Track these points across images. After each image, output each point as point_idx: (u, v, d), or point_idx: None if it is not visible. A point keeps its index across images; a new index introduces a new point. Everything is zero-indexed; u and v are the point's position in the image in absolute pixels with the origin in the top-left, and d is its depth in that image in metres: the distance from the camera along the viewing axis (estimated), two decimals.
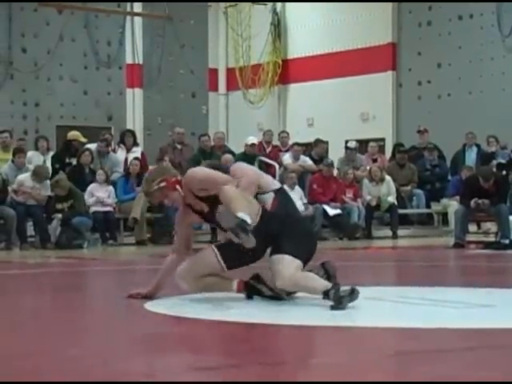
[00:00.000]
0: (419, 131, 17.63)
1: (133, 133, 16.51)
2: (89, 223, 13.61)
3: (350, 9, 20.99)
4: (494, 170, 14.90)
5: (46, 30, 20.84)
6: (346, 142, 17.51)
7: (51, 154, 15.20)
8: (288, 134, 17.71)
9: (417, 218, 17.07)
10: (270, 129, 18.54)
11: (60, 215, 13.37)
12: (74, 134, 15.33)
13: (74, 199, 13.44)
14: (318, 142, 17.10)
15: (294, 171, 15.78)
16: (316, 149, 16.94)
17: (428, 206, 16.77)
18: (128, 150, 15.70)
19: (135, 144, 15.96)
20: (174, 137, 16.46)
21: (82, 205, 13.56)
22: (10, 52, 20.55)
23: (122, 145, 15.83)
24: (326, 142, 17.94)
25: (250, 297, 5.91)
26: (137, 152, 15.66)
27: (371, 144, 17.80)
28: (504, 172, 15.52)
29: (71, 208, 13.41)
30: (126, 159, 15.37)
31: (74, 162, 14.65)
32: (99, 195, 13.95)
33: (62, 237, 13.34)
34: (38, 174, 13.55)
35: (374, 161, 17.10)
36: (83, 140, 15.22)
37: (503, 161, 16.22)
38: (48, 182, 13.70)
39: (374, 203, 15.60)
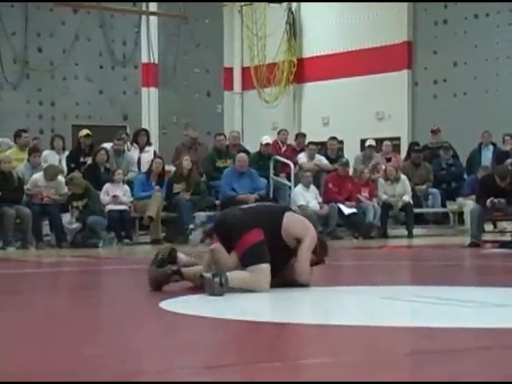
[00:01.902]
0: (433, 131, 17.58)
1: (147, 132, 16.51)
2: (104, 222, 13.64)
3: (365, 7, 20.94)
4: (510, 168, 14.80)
5: (61, 30, 20.90)
6: (362, 141, 17.47)
7: (67, 153, 15.23)
8: (305, 135, 17.66)
9: (432, 217, 17.02)
10: (285, 128, 18.50)
11: (76, 212, 13.41)
12: (81, 132, 15.36)
13: (89, 198, 13.47)
14: (330, 139, 17.09)
15: (309, 170, 15.77)
16: (329, 146, 16.90)
17: (444, 205, 16.72)
18: (141, 150, 15.71)
19: (148, 143, 15.97)
20: (188, 139, 16.46)
21: (96, 204, 13.59)
22: (26, 51, 20.62)
23: (135, 144, 15.85)
24: (341, 142, 17.90)
25: None
26: (149, 151, 15.67)
27: (385, 143, 17.75)
28: None
29: (86, 206, 13.45)
30: (139, 159, 15.39)
31: (89, 161, 14.68)
32: (116, 193, 13.99)
33: (77, 236, 13.39)
34: (47, 173, 13.59)
35: (388, 160, 17.06)
36: (85, 132, 15.12)
37: None
38: (62, 179, 13.76)
39: (393, 200, 15.51)
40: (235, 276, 5.90)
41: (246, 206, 6.54)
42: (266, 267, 6.00)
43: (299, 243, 6.20)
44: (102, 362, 3.76)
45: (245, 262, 6.02)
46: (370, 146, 16.96)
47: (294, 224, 6.25)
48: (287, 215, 6.28)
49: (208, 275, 5.87)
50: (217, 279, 5.78)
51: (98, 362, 3.76)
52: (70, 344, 4.31)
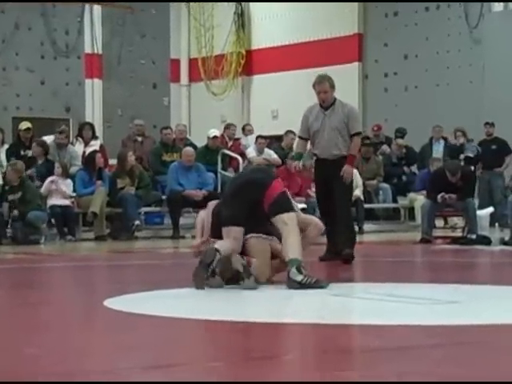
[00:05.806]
0: (373, 129, 17.56)
1: (92, 126, 16.22)
2: (44, 217, 13.33)
3: None
4: (462, 163, 14.79)
5: (0, 19, 20.53)
6: None
7: (6, 146, 14.88)
8: (251, 126, 17.55)
9: (383, 212, 16.91)
10: (233, 121, 18.30)
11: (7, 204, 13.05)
12: (21, 125, 15.03)
13: (24, 190, 13.08)
14: (287, 132, 16.77)
15: (259, 165, 15.50)
16: (286, 139, 16.58)
17: (395, 201, 16.60)
18: (86, 144, 15.36)
19: (94, 137, 15.63)
20: (134, 129, 16.23)
21: (34, 196, 13.19)
22: None
23: (79, 138, 15.50)
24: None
25: None
26: (95, 145, 15.33)
27: None
28: (472, 166, 15.41)
29: (22, 200, 13.04)
30: (84, 153, 15.05)
31: (30, 154, 14.36)
32: (58, 188, 13.67)
33: (17, 232, 13.06)
34: None
35: None
36: (25, 126, 14.78)
37: (471, 155, 16.09)
38: None
39: None
40: (291, 247, 6.17)
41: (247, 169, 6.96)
42: (293, 215, 6.38)
43: None
44: (42, 362, 3.73)
45: (274, 210, 6.26)
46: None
47: None
48: None
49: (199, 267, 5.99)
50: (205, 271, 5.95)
51: (38, 362, 3.73)
52: (9, 343, 4.25)
